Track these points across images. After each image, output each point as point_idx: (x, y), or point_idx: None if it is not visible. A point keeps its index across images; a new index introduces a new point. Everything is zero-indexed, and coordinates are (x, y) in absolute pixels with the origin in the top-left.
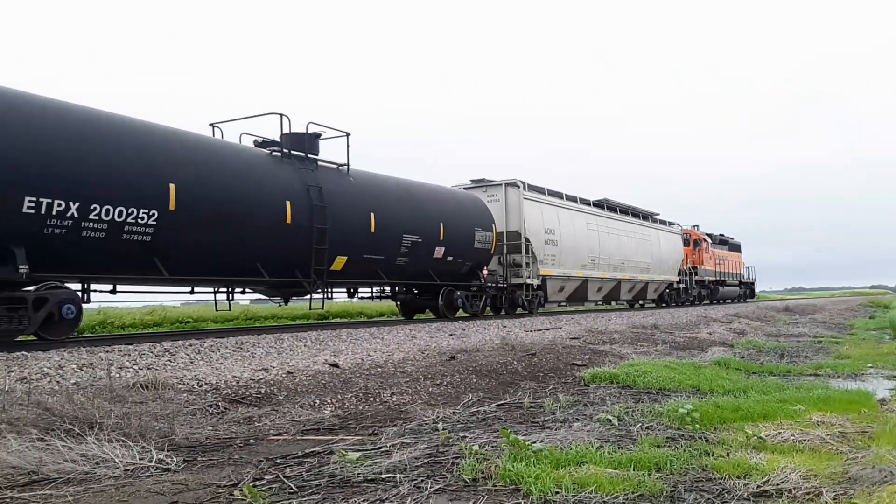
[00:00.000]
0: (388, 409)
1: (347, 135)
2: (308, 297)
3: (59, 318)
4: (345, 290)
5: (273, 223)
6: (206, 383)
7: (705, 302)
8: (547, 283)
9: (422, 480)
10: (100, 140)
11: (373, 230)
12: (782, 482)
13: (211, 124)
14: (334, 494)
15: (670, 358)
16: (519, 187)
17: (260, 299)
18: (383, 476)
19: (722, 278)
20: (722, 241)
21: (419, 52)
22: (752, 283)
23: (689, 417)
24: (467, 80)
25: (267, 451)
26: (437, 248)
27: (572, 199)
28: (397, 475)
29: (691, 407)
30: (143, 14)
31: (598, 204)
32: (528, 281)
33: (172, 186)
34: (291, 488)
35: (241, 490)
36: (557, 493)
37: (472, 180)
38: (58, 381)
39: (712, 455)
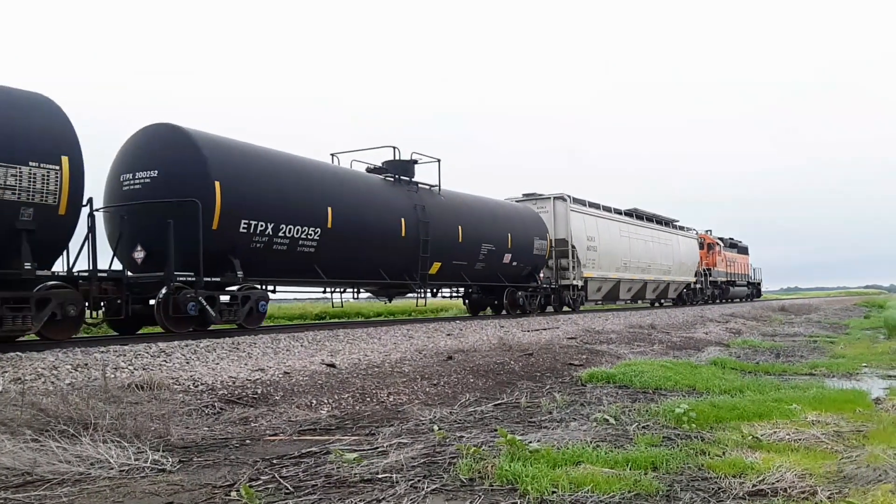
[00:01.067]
0: (385, 410)
1: (438, 161)
2: (408, 296)
3: (256, 311)
4: (432, 290)
5: (392, 236)
6: (202, 384)
7: (718, 301)
8: (588, 283)
9: (418, 480)
10: (283, 174)
11: (460, 240)
12: (778, 481)
13: (331, 154)
14: (331, 495)
15: (667, 358)
16: (566, 200)
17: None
18: (380, 476)
19: (732, 279)
20: (732, 245)
21: (419, 52)
22: (759, 284)
23: (686, 417)
24: (466, 81)
25: (263, 451)
26: (505, 255)
27: (608, 209)
28: (394, 475)
29: (687, 406)
30: (129, 11)
31: (629, 213)
32: (574, 282)
33: (329, 209)
34: (288, 489)
35: (237, 491)
36: (554, 492)
37: (524, 194)
38: (52, 382)
39: (708, 454)
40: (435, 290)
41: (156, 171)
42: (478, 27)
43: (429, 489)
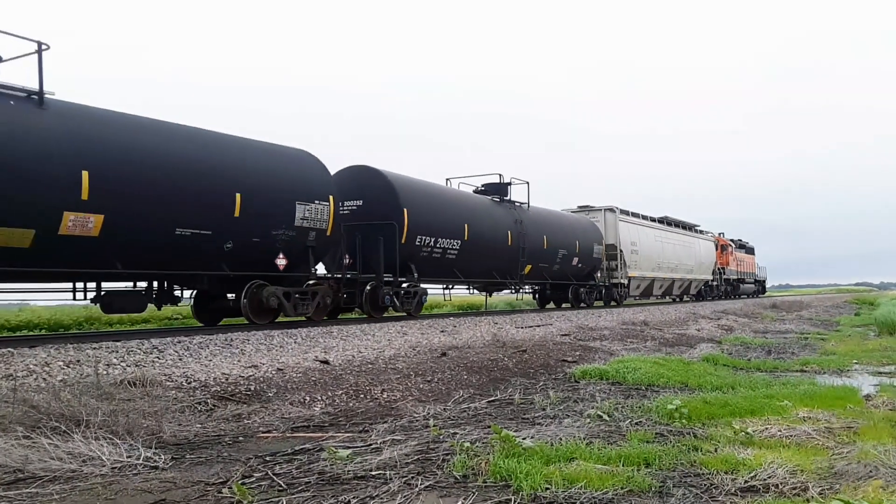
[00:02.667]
0: (378, 406)
1: (527, 183)
2: (503, 292)
3: (418, 302)
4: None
5: (502, 245)
6: (194, 380)
7: (730, 297)
8: (630, 282)
9: (412, 477)
10: (439, 201)
11: (545, 247)
12: (769, 477)
13: (446, 179)
14: (324, 492)
15: (659, 354)
16: (615, 212)
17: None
18: (373, 473)
19: (742, 277)
20: (741, 246)
21: (417, 54)
22: (764, 281)
23: (678, 413)
24: (465, 80)
25: (256, 448)
26: (574, 258)
27: (646, 217)
28: (387, 472)
29: (680, 403)
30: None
31: (661, 220)
32: (621, 280)
33: (466, 225)
34: (281, 486)
35: (229, 488)
36: (548, 488)
37: (578, 206)
38: (44, 379)
39: (700, 450)
40: (515, 287)
41: (360, 201)
42: (476, 26)
43: (422, 486)
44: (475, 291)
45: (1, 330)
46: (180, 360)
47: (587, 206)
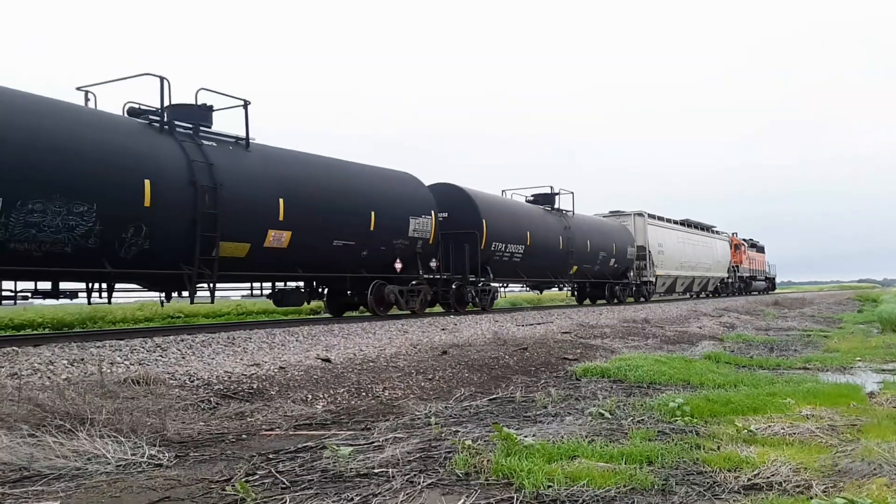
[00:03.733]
0: (380, 404)
1: (572, 193)
2: (553, 289)
3: (491, 298)
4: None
5: (554, 249)
6: (197, 378)
7: (743, 293)
8: (657, 280)
9: (415, 475)
10: (509, 212)
11: (588, 250)
12: (773, 475)
13: (502, 190)
14: (327, 489)
15: (661, 352)
16: (644, 216)
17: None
18: (376, 471)
19: (754, 274)
20: (752, 245)
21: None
22: (774, 278)
23: (680, 411)
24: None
25: (259, 446)
26: (611, 259)
27: (669, 220)
28: (390, 470)
29: (682, 401)
30: None
31: (683, 222)
32: (650, 279)
33: (528, 233)
34: (284, 483)
35: (233, 485)
36: (550, 486)
37: (610, 211)
38: (48, 377)
39: (703, 448)
40: (561, 285)
41: (447, 213)
42: (475, 27)
43: (425, 483)
44: (527, 289)
45: (6, 329)
46: (183, 358)
47: (618, 212)
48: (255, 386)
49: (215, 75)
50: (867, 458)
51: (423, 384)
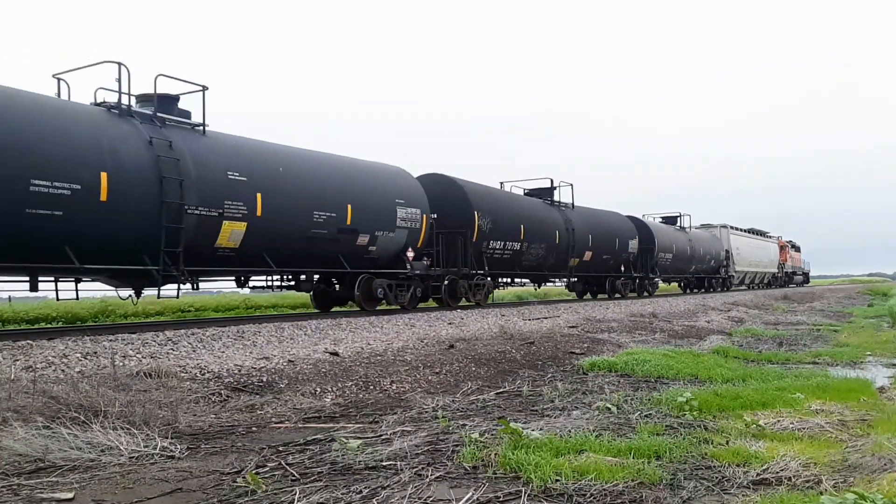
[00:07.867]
0: (388, 398)
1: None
2: (549, 283)
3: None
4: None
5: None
6: (208, 372)
7: (787, 285)
8: (736, 275)
9: (422, 468)
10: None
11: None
12: (782, 470)
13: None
14: (336, 482)
15: (668, 346)
16: (727, 228)
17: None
18: (384, 464)
19: (794, 270)
20: (793, 246)
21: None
22: (808, 273)
23: (688, 406)
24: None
25: (269, 438)
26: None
27: (741, 229)
28: (398, 463)
29: (690, 395)
30: None
31: (749, 230)
32: (732, 273)
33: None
34: (294, 475)
35: (244, 477)
36: (557, 480)
37: (701, 224)
38: (62, 370)
39: (712, 443)
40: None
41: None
42: (475, 26)
43: (433, 476)
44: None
45: (20, 322)
46: (194, 351)
47: (708, 225)
48: (264, 379)
49: (215, 76)
50: (877, 453)
51: (430, 378)
